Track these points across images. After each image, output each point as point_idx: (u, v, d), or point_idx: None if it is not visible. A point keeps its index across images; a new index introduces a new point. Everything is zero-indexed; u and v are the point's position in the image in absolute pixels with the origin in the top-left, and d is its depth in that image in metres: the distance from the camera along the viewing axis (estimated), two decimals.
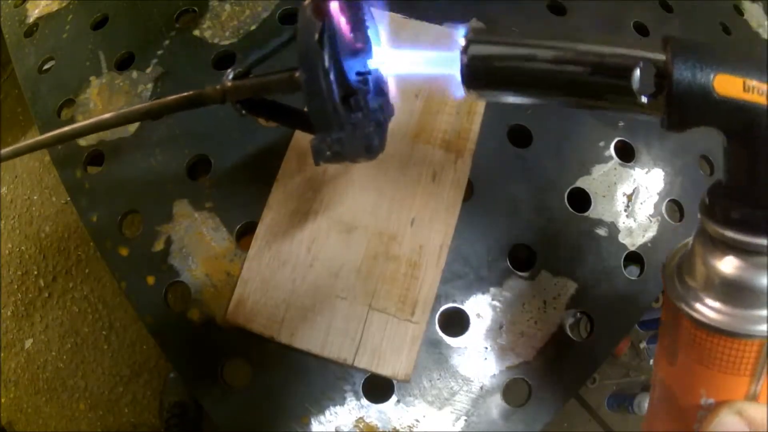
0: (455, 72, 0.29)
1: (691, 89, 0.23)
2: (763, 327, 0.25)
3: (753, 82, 0.23)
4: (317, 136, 0.34)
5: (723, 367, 0.27)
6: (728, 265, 0.26)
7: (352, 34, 0.35)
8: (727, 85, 0.23)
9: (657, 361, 0.33)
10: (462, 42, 0.28)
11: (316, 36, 0.31)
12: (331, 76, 0.32)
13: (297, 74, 0.33)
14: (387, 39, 0.36)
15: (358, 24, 0.36)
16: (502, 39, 0.28)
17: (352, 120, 0.34)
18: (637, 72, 0.25)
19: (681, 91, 0.23)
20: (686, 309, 0.27)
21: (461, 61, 0.28)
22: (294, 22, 0.58)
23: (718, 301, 0.26)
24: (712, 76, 0.23)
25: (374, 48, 0.35)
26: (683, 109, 0.24)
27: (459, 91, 0.29)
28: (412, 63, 0.33)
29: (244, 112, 0.40)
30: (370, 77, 0.37)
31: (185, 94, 0.42)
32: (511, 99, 0.30)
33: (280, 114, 0.42)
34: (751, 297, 0.26)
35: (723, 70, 0.23)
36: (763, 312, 0.25)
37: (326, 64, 0.31)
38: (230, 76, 0.39)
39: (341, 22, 0.33)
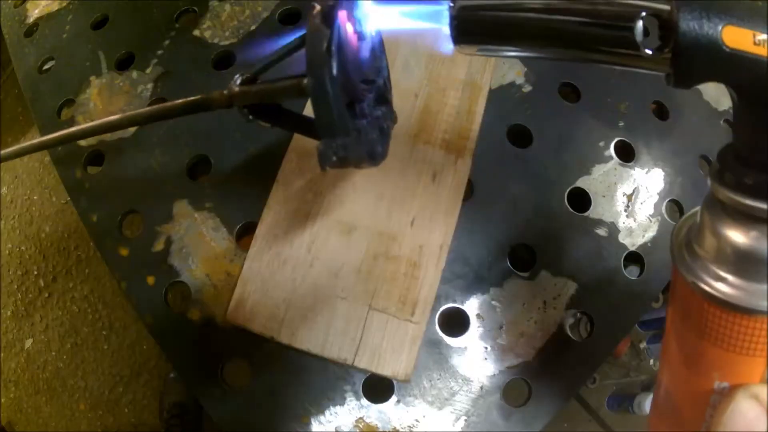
0: (444, 26, 0.27)
1: (699, 41, 0.22)
2: None
3: (763, 36, 0.21)
4: (323, 141, 0.34)
5: (737, 348, 0.25)
6: (741, 234, 0.24)
7: (358, 43, 0.36)
8: (737, 37, 0.21)
9: (666, 342, 0.31)
10: None
11: (325, 45, 0.31)
12: (338, 84, 0.32)
13: (305, 81, 0.34)
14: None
15: (364, 33, 0.36)
16: None
17: (357, 126, 0.34)
18: (640, 23, 0.23)
19: (688, 44, 0.22)
20: (697, 282, 0.25)
21: (449, 13, 0.27)
22: (294, 22, 0.58)
23: (731, 274, 0.25)
24: (720, 28, 0.21)
25: (360, 2, 0.35)
26: (691, 62, 0.22)
27: (448, 45, 0.28)
28: (398, 17, 0.32)
29: (251, 117, 0.40)
30: (374, 86, 0.38)
31: (192, 98, 0.42)
32: (504, 53, 0.29)
33: (286, 120, 0.42)
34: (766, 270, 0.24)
35: (731, 21, 0.22)
36: None
37: (333, 72, 0.32)
38: (237, 81, 0.39)
39: (348, 30, 0.34)
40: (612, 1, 0.24)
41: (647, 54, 0.23)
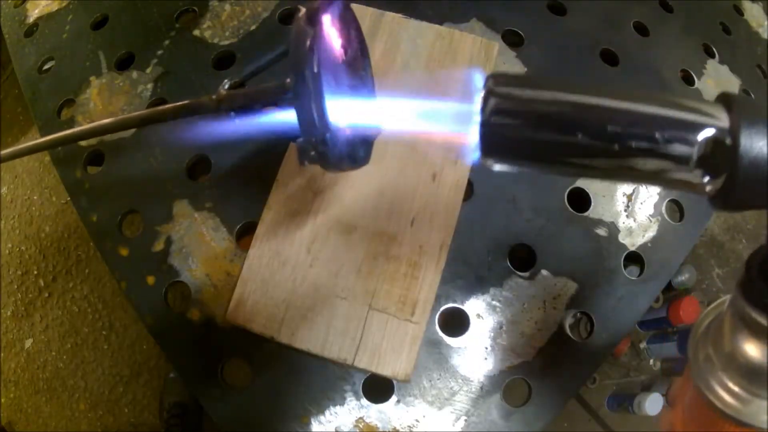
0: (469, 132, 0.23)
1: (757, 166, 0.19)
2: None
3: None
4: (303, 137, 0.35)
5: None
6: (757, 350, 0.23)
7: (343, 48, 0.36)
8: None
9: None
10: (481, 92, 0.22)
11: (308, 43, 0.32)
12: (320, 80, 0.32)
13: (288, 81, 0.34)
14: (383, 43, 0.36)
15: (351, 39, 0.37)
16: (532, 93, 0.22)
17: (338, 125, 0.34)
18: (697, 146, 0.20)
19: (746, 169, 0.19)
20: (704, 390, 0.25)
21: (480, 118, 0.22)
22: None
23: (739, 386, 0.24)
24: None
25: (368, 101, 0.35)
26: (745, 189, 0.19)
27: (473, 155, 0.23)
28: (412, 117, 0.28)
29: (236, 121, 0.41)
30: (359, 91, 0.38)
31: (182, 102, 0.43)
32: (543, 171, 0.24)
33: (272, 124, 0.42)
34: None
35: None
36: None
37: (314, 69, 0.32)
38: (226, 86, 0.40)
39: (333, 35, 0.35)
40: (675, 118, 0.20)
41: (703, 182, 0.20)
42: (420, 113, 0.27)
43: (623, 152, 0.21)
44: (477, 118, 0.22)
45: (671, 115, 0.20)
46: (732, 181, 0.19)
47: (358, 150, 0.37)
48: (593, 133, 0.21)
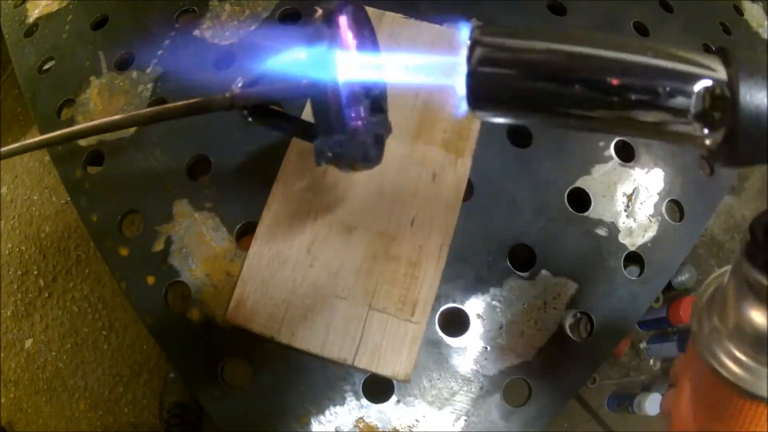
0: (458, 83, 0.23)
1: (758, 119, 0.18)
2: None
3: None
4: (320, 138, 0.35)
5: (744, 428, 0.24)
6: (763, 316, 0.22)
7: (358, 50, 0.37)
8: None
9: (673, 412, 0.30)
10: (467, 43, 0.22)
11: (326, 44, 0.33)
12: (337, 82, 0.33)
13: (305, 81, 0.35)
14: (384, 42, 0.37)
15: (364, 41, 0.37)
16: (520, 42, 0.22)
17: (352, 126, 0.35)
18: (694, 99, 0.19)
19: (747, 121, 0.18)
20: (711, 360, 0.24)
21: (466, 69, 0.22)
22: (293, 23, 0.58)
23: (746, 356, 0.23)
24: None
25: (370, 53, 0.35)
26: (747, 142, 0.19)
27: (461, 107, 0.23)
28: (408, 70, 0.29)
29: (250, 119, 0.41)
30: (370, 93, 0.39)
31: (193, 100, 0.42)
32: (530, 121, 0.25)
33: (285, 123, 0.43)
34: None
35: None
36: None
37: (332, 71, 0.33)
38: (239, 84, 0.40)
39: (349, 36, 0.35)
40: (669, 67, 0.20)
41: (702, 133, 0.20)
42: (413, 68, 0.28)
43: (623, 104, 0.21)
44: (463, 69, 0.22)
45: (669, 65, 0.20)
46: (733, 134, 0.19)
47: (371, 150, 0.38)
48: (592, 84, 0.21)
